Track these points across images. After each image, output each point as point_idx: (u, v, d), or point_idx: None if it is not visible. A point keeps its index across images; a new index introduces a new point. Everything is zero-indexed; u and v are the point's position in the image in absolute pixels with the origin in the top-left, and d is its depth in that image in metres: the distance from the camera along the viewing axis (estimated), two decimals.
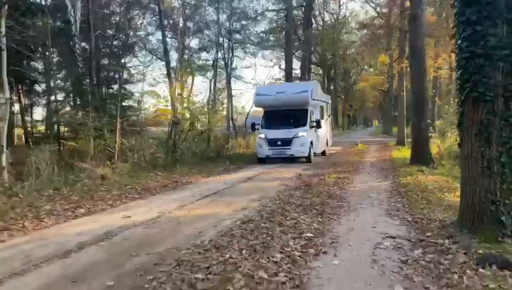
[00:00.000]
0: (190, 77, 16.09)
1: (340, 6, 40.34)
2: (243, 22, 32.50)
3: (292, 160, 13.85)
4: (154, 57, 29.74)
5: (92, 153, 12.40)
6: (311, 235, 4.75)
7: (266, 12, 32.54)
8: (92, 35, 15.88)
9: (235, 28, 32.04)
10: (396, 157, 15.20)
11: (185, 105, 16.02)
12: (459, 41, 4.69)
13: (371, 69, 46.15)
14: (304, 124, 14.03)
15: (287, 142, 13.53)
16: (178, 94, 14.92)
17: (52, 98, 18.39)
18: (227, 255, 3.95)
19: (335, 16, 42.49)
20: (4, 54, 8.71)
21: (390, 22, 24.16)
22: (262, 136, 14.06)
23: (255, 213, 5.95)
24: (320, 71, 45.84)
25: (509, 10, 4.30)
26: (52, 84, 16.90)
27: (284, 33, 30.50)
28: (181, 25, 31.65)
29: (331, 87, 46.22)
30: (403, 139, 21.57)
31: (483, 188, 4.55)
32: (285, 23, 27.07)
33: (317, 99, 15.73)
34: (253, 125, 15.56)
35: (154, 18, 28.86)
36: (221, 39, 31.88)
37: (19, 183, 8.21)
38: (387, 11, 24.76)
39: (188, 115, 15.31)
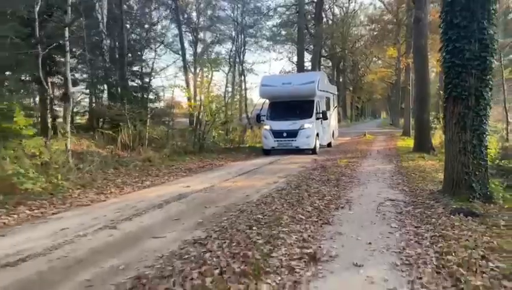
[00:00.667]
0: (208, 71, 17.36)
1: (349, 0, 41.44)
2: (256, 17, 34.10)
3: (299, 152, 13.91)
4: (170, 50, 31.42)
5: (128, 140, 14.22)
6: (331, 198, 6.43)
7: (278, 8, 34.09)
8: (124, 32, 17.60)
9: (247, 23, 33.65)
10: (401, 146, 16.78)
11: (206, 97, 17.68)
12: (443, 54, 6.29)
13: (379, 62, 47.36)
14: (310, 116, 13.98)
15: (293, 133, 13.58)
16: (204, 88, 16.48)
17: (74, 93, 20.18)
18: (274, 207, 5.65)
19: (344, 9, 43.75)
20: (68, 55, 10.42)
21: (398, 18, 25.51)
22: (268, 127, 14.11)
23: (284, 185, 7.65)
24: (330, 64, 47.11)
25: (480, 32, 5.87)
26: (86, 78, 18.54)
27: (295, 28, 31.98)
28: (195, 19, 33.28)
29: (340, 80, 47.60)
30: (408, 130, 23.08)
31: (460, 163, 6.18)
32: (298, 18, 28.43)
33: (323, 90, 15.71)
34: (258, 116, 15.55)
35: (169, 12, 30.39)
36: (234, 33, 33.56)
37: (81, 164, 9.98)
38: (396, 8, 26.00)
39: (213, 107, 16.87)
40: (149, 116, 16.10)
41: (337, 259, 3.71)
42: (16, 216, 5.30)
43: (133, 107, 16.05)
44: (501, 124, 18.35)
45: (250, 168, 10.51)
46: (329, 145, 16.67)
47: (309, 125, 13.68)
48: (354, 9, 43.99)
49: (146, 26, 25.16)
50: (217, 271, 3.33)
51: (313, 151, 13.83)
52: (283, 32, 35.80)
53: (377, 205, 6.01)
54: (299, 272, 3.38)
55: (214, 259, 3.62)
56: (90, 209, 5.90)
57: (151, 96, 21.68)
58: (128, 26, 24.23)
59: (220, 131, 18.11)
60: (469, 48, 5.93)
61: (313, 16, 32.31)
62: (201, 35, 34.68)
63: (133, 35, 24.79)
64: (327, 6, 39.32)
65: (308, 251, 3.85)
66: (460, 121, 6.12)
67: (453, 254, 3.73)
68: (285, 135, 13.67)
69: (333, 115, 18.56)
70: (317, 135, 14.12)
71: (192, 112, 17.11)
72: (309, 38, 32.61)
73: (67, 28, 10.17)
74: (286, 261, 3.58)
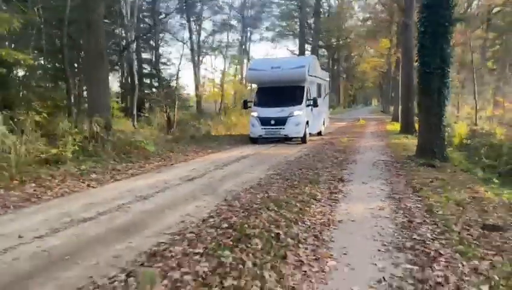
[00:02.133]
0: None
1: None
2: (257, 9, 37.15)
3: (288, 140, 13.76)
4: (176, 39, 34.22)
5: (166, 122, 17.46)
6: (342, 159, 9.84)
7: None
8: (159, 26, 20.57)
9: (250, 15, 36.71)
10: (390, 129, 20.30)
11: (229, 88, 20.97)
12: (418, 64, 9.69)
13: (372, 51, 50.69)
14: (300, 102, 13.59)
15: (281, 121, 13.15)
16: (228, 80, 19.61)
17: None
18: (307, 162, 9.04)
19: (340, 1, 46.78)
20: (135, 63, 13.53)
21: (391, 14, 28.70)
22: (255, 114, 13.63)
23: (308, 152, 11.04)
24: (326, 53, 50.32)
25: (440, 51, 9.24)
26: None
27: (293, 20, 35.12)
28: (198, 9, 36.00)
29: (335, 68, 50.94)
30: (397, 116, 26.50)
31: (427, 137, 9.64)
32: (299, 13, 31.55)
33: (314, 76, 15.22)
34: (245, 102, 15.18)
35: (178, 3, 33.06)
36: (236, 23, 36.57)
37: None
38: (388, 5, 29.18)
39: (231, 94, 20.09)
40: (176, 102, 19.31)
41: (353, 180, 7.14)
42: (150, 166, 8.60)
43: (162, 94, 19.23)
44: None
45: (272, 144, 13.69)
46: (319, 133, 16.44)
47: (299, 112, 13.27)
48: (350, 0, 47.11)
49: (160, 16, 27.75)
50: (294, 182, 6.72)
51: (302, 140, 13.57)
52: (283, 24, 38.94)
53: (373, 162, 9.45)
54: (334, 184, 6.78)
55: (289, 180, 6.99)
56: (191, 163, 9.22)
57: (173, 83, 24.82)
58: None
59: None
60: (434, 61, 9.31)
61: (313, 10, 35.38)
62: (204, 25, 37.49)
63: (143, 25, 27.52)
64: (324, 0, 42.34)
65: (335, 179, 7.25)
66: (427, 109, 9.56)
67: (415, 181, 7.17)
68: (273, 122, 13.21)
69: (325, 102, 18.34)
70: (307, 122, 13.75)
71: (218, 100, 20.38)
72: (308, 30, 35.75)
73: (131, 32, 13.26)
74: (327, 180, 6.99)
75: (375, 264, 3.48)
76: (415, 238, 4.13)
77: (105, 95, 9.84)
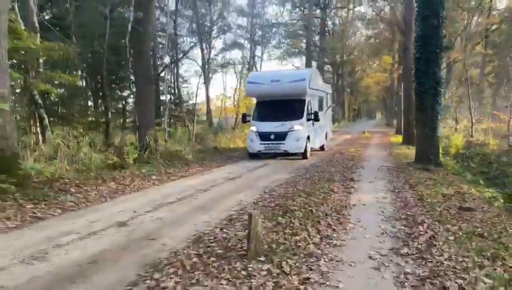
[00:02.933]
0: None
1: (348, 11, 46.74)
2: (266, 29, 39.46)
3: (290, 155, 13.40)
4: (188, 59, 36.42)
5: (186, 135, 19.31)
6: (351, 165, 11.63)
7: (286, 20, 39.52)
8: (182, 41, 22.69)
9: (257, 33, 39.01)
10: (393, 141, 22.09)
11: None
12: (414, 85, 11.55)
13: (375, 65, 52.82)
14: (300, 117, 13.33)
15: (281, 136, 12.88)
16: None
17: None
18: (322, 168, 10.82)
19: (343, 19, 49.10)
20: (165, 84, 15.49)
21: (394, 34, 30.76)
22: (254, 129, 13.37)
23: (321, 160, 12.83)
24: (331, 69, 52.47)
25: (433, 74, 11.08)
26: None
27: (298, 38, 37.31)
28: (207, 28, 38.23)
29: (339, 82, 53.00)
30: (400, 129, 28.38)
31: (423, 146, 11.44)
32: (306, 33, 33.72)
33: (316, 89, 14.99)
34: (244, 116, 14.89)
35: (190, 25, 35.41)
36: (245, 42, 38.83)
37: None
38: (390, 27, 31.28)
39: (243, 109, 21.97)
40: (195, 118, 21.23)
41: (362, 180, 8.92)
42: (193, 170, 10.41)
43: (187, 110, 21.20)
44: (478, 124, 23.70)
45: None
46: (322, 148, 16.15)
47: (299, 127, 13.01)
48: (353, 18, 49.43)
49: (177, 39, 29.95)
50: (315, 180, 8.51)
51: (303, 155, 13.22)
52: (290, 43, 41.20)
53: (377, 167, 11.23)
54: (346, 182, 8.56)
55: (310, 179, 8.77)
56: (224, 168, 11.03)
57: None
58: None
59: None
60: (427, 82, 11.16)
61: (318, 30, 37.62)
62: (213, 43, 39.75)
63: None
64: (328, 19, 44.63)
65: (347, 179, 9.03)
66: (423, 122, 11.38)
67: (412, 180, 8.93)
68: (272, 137, 12.94)
69: (327, 115, 18.07)
70: (308, 137, 13.41)
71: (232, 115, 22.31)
72: (313, 48, 37.90)
73: (166, 59, 15.24)
74: (341, 180, 8.78)
75: (380, 226, 5.26)
76: (408, 214, 5.90)
77: (152, 113, 11.76)
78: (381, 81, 50.45)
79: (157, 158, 10.51)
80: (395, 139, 23.14)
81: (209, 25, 37.57)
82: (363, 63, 53.87)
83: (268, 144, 13.03)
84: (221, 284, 3.25)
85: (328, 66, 51.97)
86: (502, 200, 8.43)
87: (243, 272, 3.48)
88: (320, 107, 16.06)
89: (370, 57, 39.25)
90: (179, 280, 3.34)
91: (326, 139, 17.12)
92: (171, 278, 3.37)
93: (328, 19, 40.79)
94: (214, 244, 4.28)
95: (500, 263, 3.95)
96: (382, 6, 26.85)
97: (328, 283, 3.40)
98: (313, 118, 13.89)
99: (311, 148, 14.09)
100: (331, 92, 20.03)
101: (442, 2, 11.13)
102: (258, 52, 39.99)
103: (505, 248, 4.43)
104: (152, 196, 7.00)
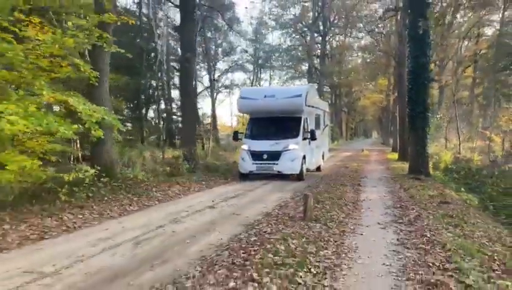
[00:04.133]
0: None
1: (345, 37, 50.19)
2: (268, 52, 42.63)
3: (282, 176, 12.69)
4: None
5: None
6: (356, 176, 14.24)
7: (288, 45, 42.76)
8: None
9: (261, 56, 42.17)
10: (390, 158, 24.81)
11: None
12: (407, 110, 14.34)
13: (371, 86, 56.15)
14: (296, 135, 12.74)
15: (275, 156, 12.32)
16: None
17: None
18: (332, 178, 13.44)
19: (340, 42, 52.56)
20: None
21: (389, 60, 33.91)
22: (246, 147, 12.77)
23: (330, 172, 15.44)
24: (329, 89, 55.69)
25: (422, 102, 13.85)
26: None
27: (297, 61, 40.45)
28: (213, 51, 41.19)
29: (337, 102, 56.14)
30: (396, 147, 31.18)
31: (415, 161, 14.16)
32: (308, 58, 36.83)
33: (312, 106, 14.44)
34: (235, 134, 14.12)
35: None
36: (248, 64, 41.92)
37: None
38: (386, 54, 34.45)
39: None
40: (211, 136, 23.86)
41: (366, 186, 11.56)
42: (229, 179, 12.95)
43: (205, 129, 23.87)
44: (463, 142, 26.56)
45: None
46: (318, 169, 15.77)
47: (294, 146, 12.45)
48: (350, 43, 52.89)
49: None
50: (331, 185, 11.11)
51: (298, 177, 12.63)
52: (291, 66, 44.39)
53: (378, 177, 13.87)
54: (355, 187, 11.17)
55: (327, 185, 11.37)
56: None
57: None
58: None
59: None
60: (418, 108, 13.89)
61: (318, 54, 40.85)
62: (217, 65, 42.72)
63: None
64: (328, 44, 48.01)
65: (355, 184, 11.64)
66: (415, 141, 14.10)
67: (405, 185, 11.56)
68: (265, 157, 12.36)
69: (324, 134, 17.58)
70: (304, 157, 12.90)
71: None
72: (314, 71, 40.99)
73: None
74: (351, 185, 11.40)
75: (383, 210, 7.87)
76: (402, 205, 8.50)
77: (194, 134, 14.37)
78: (378, 101, 53.65)
79: (200, 169, 13.06)
80: (392, 156, 25.87)
81: (214, 47, 40.64)
82: (360, 84, 57.29)
83: (261, 164, 12.41)
84: (296, 229, 5.83)
85: (327, 87, 55.24)
86: (476, 202, 11.16)
87: (305, 226, 6.07)
88: (317, 126, 15.43)
89: (367, 80, 42.32)
90: (269, 229, 5.91)
91: (323, 159, 16.76)
92: (266, 226, 5.96)
93: (327, 44, 44.06)
94: (280, 215, 6.88)
95: (460, 228, 6.56)
96: (378, 36, 29.82)
97: (356, 232, 6.00)
98: (309, 136, 13.26)
99: (307, 169, 13.60)
100: (328, 110, 19.57)
101: (429, 43, 14.00)
102: (262, 75, 43.05)
103: (464, 222, 7.05)
104: (214, 193, 9.58)
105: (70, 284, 3.90)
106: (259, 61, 42.94)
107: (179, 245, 5.26)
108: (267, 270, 4.07)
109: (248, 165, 12.51)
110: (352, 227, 6.32)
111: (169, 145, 20.76)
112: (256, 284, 3.72)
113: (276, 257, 4.49)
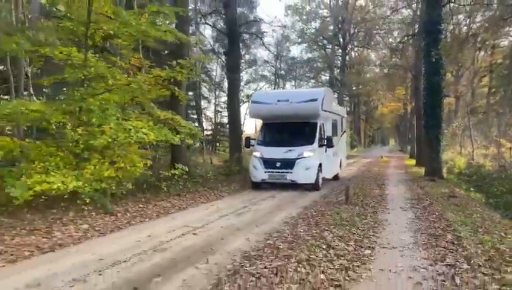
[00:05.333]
0: None
1: (364, 48, 52.59)
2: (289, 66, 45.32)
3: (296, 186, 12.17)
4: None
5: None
6: (379, 178, 16.67)
7: (308, 57, 45.42)
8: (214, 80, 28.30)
9: (283, 68, 44.88)
10: (407, 164, 27.09)
11: None
12: (423, 122, 16.77)
13: (389, 95, 58.24)
14: (311, 142, 12.19)
15: (289, 164, 11.79)
16: None
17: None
18: (357, 180, 15.90)
19: (359, 54, 54.95)
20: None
21: (406, 71, 36.18)
22: (258, 154, 12.30)
23: (357, 174, 17.89)
24: (347, 98, 58.07)
25: (437, 116, 16.23)
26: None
27: (316, 71, 43.04)
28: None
29: (356, 110, 58.42)
30: (414, 154, 33.36)
31: (430, 165, 16.54)
32: (329, 70, 39.37)
33: (329, 111, 13.76)
34: (247, 140, 13.49)
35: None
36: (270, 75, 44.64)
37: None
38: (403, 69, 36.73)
39: None
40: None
41: (389, 185, 14.01)
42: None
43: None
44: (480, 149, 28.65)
45: None
46: (335, 177, 15.26)
47: (309, 153, 11.95)
48: (368, 54, 55.23)
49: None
50: (359, 184, 13.61)
51: (314, 186, 12.12)
52: (312, 76, 46.98)
53: (398, 179, 16.27)
54: (380, 186, 13.62)
55: (357, 183, 13.85)
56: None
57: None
58: None
59: None
60: (432, 120, 16.28)
61: (339, 64, 43.37)
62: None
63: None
64: (347, 56, 50.51)
65: (379, 184, 14.09)
66: (430, 149, 16.47)
67: (421, 185, 13.97)
68: (278, 165, 11.86)
69: (341, 141, 17.05)
70: (320, 166, 12.37)
71: None
72: (335, 82, 43.46)
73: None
74: (376, 185, 13.87)
75: (403, 201, 10.35)
76: (418, 198, 10.96)
77: (239, 143, 17.08)
78: (395, 109, 55.80)
79: (241, 173, 15.74)
80: (410, 162, 28.12)
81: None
82: (378, 93, 59.45)
83: (274, 172, 11.89)
84: (341, 210, 8.37)
85: (345, 95, 57.59)
86: (483, 200, 13.56)
87: (348, 208, 8.61)
88: (334, 132, 14.83)
89: (384, 89, 44.59)
90: (323, 209, 8.45)
91: (340, 167, 16.21)
92: (320, 207, 8.54)
93: (347, 56, 46.57)
94: (324, 204, 9.45)
95: (461, 212, 9.00)
96: (396, 51, 32.14)
97: (385, 212, 8.55)
98: (325, 143, 12.79)
99: (323, 177, 12.98)
100: (346, 115, 19.13)
101: (443, 64, 16.40)
102: (285, 86, 45.69)
103: (466, 209, 9.49)
104: (251, 195, 12.12)
105: (212, 233, 6.52)
106: (282, 72, 45.72)
107: (265, 217, 7.90)
108: (332, 226, 6.66)
109: (260, 173, 12.01)
110: (382, 209, 8.85)
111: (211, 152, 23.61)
112: (327, 233, 6.29)
113: (335, 221, 7.07)
